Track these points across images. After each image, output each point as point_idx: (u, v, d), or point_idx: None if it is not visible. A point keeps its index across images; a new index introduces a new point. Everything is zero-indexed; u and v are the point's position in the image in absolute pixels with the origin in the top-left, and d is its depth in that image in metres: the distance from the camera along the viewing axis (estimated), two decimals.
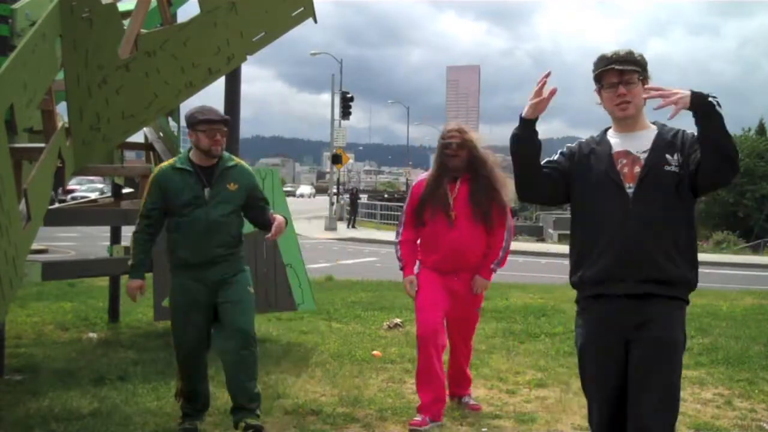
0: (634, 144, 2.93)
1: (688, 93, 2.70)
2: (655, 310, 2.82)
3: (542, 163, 3.03)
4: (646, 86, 2.88)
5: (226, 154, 4.26)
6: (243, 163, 4.37)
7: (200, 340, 4.21)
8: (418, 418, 4.42)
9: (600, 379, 2.93)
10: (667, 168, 2.84)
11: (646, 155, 2.88)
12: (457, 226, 4.50)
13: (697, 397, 5.32)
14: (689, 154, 2.83)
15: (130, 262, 4.24)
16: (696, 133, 2.80)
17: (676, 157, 2.85)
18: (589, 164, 2.97)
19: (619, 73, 2.89)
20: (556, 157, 3.07)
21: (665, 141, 2.90)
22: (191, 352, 4.22)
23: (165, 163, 4.33)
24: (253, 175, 4.37)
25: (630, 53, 2.92)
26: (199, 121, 4.09)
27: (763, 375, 6.02)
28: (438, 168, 4.60)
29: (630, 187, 2.86)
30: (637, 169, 2.88)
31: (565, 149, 3.10)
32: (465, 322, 4.82)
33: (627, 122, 2.97)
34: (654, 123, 3.01)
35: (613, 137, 3.00)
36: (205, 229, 4.09)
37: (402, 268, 4.72)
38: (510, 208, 4.73)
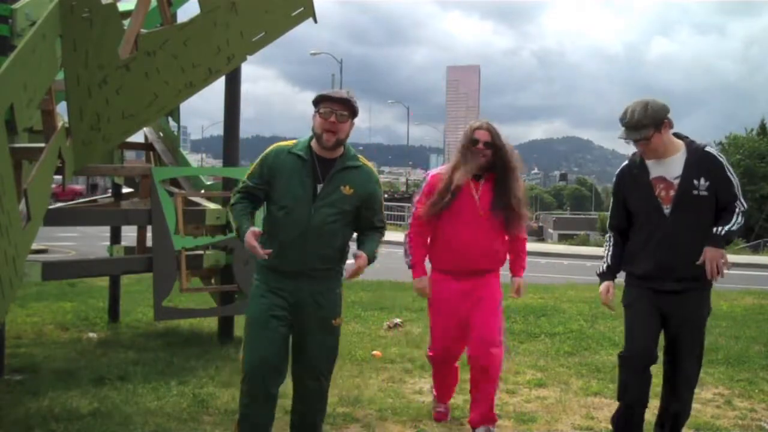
0: (668, 170, 3.64)
1: (719, 256, 3.48)
2: (686, 295, 3.65)
3: (616, 227, 3.89)
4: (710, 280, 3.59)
5: (352, 150, 3.64)
6: (370, 166, 3.70)
7: (276, 365, 3.56)
8: (440, 408, 4.68)
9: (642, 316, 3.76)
10: (695, 192, 3.57)
11: (678, 181, 3.60)
12: (475, 226, 4.21)
13: (697, 397, 5.28)
14: (716, 186, 3.58)
15: (234, 227, 3.56)
16: (722, 165, 3.62)
17: (702, 181, 3.57)
18: (634, 191, 3.74)
19: (634, 139, 3.59)
20: (614, 209, 3.89)
21: (694, 166, 3.59)
22: (263, 379, 3.51)
23: (282, 143, 3.68)
24: (377, 184, 3.69)
25: (639, 121, 3.53)
26: (317, 99, 3.54)
27: (763, 375, 6.03)
28: (461, 163, 4.21)
29: (667, 208, 3.63)
30: (672, 192, 3.61)
31: (613, 186, 3.88)
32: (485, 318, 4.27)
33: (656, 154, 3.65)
34: (680, 138, 3.68)
35: (648, 160, 3.70)
36: (305, 233, 3.46)
37: (411, 266, 4.40)
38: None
